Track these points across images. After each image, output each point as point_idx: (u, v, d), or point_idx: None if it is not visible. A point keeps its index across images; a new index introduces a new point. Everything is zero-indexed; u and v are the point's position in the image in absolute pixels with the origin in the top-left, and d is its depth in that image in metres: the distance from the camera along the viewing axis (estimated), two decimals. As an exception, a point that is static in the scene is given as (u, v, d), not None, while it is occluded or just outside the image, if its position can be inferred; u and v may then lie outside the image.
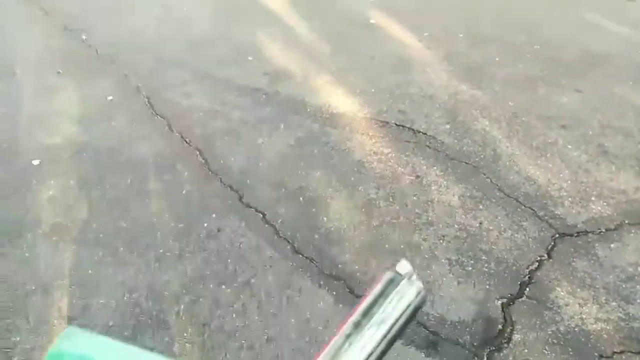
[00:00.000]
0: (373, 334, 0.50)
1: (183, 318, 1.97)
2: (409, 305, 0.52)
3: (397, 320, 0.51)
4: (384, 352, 0.50)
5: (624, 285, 2.10)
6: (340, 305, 2.00)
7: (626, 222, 2.40)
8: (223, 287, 2.08)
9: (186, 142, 2.92)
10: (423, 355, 1.83)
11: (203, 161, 2.77)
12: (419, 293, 0.53)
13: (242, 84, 3.43)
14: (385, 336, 0.51)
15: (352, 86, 3.41)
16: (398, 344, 1.87)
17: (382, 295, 0.52)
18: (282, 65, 3.65)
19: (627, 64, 3.65)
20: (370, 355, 0.49)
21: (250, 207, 2.47)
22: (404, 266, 0.54)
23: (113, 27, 4.19)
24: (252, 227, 2.36)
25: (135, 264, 2.19)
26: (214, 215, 2.42)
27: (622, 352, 1.84)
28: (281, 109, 3.20)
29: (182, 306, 2.01)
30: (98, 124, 3.07)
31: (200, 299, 2.03)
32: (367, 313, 0.51)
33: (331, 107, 3.21)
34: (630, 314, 1.98)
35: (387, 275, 0.53)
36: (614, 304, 2.03)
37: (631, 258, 2.22)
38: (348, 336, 0.50)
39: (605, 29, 4.11)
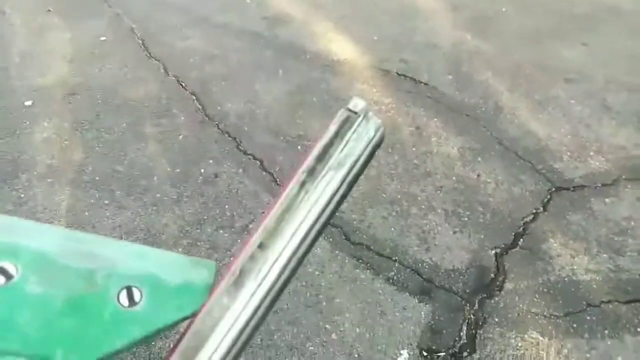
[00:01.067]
0: (331, 179, 0.46)
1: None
2: (368, 144, 0.47)
3: (356, 161, 0.47)
4: (344, 196, 0.46)
5: (616, 238, 2.12)
6: (337, 252, 2.02)
7: (623, 177, 2.40)
8: (221, 231, 2.09)
9: (182, 86, 2.86)
10: (416, 301, 1.87)
11: (200, 106, 2.72)
12: (377, 129, 0.49)
13: (240, 28, 3.33)
14: (344, 179, 0.47)
15: (354, 33, 3.31)
16: (391, 288, 1.91)
17: (338, 135, 0.48)
18: (282, 10, 3.53)
19: (639, 18, 3.55)
20: (329, 201, 0.45)
21: (248, 154, 2.44)
22: (357, 103, 0.50)
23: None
24: (250, 173, 2.35)
25: (132, 207, 2.18)
26: (211, 161, 2.40)
27: (609, 301, 1.89)
28: (280, 54, 3.12)
29: (180, 249, 2.03)
30: (91, 64, 2.99)
31: (198, 243, 2.05)
32: (323, 157, 0.47)
33: (331, 54, 3.13)
34: (620, 266, 2.01)
35: (341, 114, 0.48)
36: (605, 255, 2.06)
37: (625, 212, 2.24)
38: (303, 184, 0.45)
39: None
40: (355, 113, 0.49)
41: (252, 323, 0.42)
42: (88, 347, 0.43)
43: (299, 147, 2.49)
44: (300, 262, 0.45)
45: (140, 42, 3.16)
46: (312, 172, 0.46)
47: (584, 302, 1.89)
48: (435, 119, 2.69)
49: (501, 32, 3.40)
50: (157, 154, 2.43)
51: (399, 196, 2.26)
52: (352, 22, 3.44)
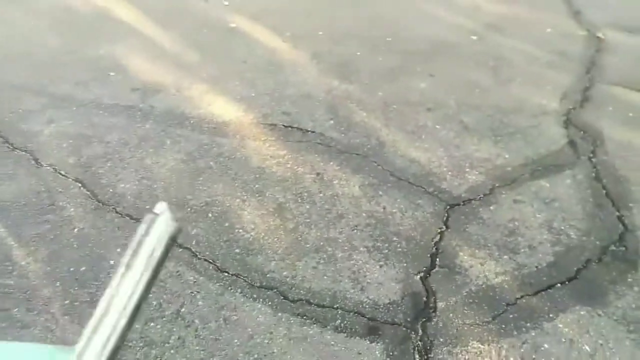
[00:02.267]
0: (143, 268, 0.60)
1: (114, 368, 1.78)
2: (163, 237, 0.66)
3: (155, 251, 0.63)
4: (153, 279, 0.62)
5: (508, 240, 2.44)
6: (280, 314, 2.00)
7: (496, 185, 2.78)
8: (152, 324, 1.93)
9: (61, 174, 2.61)
10: (368, 342, 1.93)
11: (88, 193, 2.50)
12: (168, 224, 0.68)
13: (110, 103, 3.16)
14: (150, 266, 0.62)
15: (230, 93, 3.36)
16: (341, 337, 1.95)
17: (145, 234, 0.65)
18: (150, 79, 3.44)
19: (466, 49, 4.18)
20: (137, 283, 0.59)
21: (158, 234, 2.31)
22: (159, 206, 0.69)
23: None
24: (165, 254, 2.21)
25: (39, 323, 1.90)
26: (118, 250, 2.21)
27: (522, 297, 2.16)
28: (161, 124, 3.03)
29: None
30: (-61, 169, 2.57)
31: (130, 343, 1.86)
32: (135, 252, 0.61)
33: (215, 116, 3.13)
34: (520, 263, 2.32)
35: (147, 218, 0.67)
36: (505, 257, 2.35)
37: (508, 215, 2.59)
38: (123, 275, 0.59)
39: (442, 19, 4.65)
40: (157, 214, 0.68)
41: None
42: None
43: (210, 215, 2.43)
44: (124, 337, 0.59)
45: (-3, 133, 2.82)
46: (128, 267, 0.60)
47: (504, 303, 2.13)
48: (331, 163, 2.84)
49: (362, 74, 3.74)
50: (52, 256, 2.17)
51: (321, 243, 2.33)
52: (224, 81, 3.49)
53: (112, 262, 2.16)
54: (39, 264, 2.13)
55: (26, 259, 2.15)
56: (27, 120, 2.94)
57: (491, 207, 2.64)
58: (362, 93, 3.52)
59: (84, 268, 2.12)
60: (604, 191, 2.70)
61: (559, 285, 2.20)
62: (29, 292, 2.01)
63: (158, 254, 0.62)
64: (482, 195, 2.71)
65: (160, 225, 0.63)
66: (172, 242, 0.63)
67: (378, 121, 3.24)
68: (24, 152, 2.71)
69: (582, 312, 2.08)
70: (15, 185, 2.51)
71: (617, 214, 2.56)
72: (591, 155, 2.96)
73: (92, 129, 2.93)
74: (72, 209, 2.40)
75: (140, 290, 0.58)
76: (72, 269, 2.11)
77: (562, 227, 2.48)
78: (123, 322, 0.58)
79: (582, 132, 3.15)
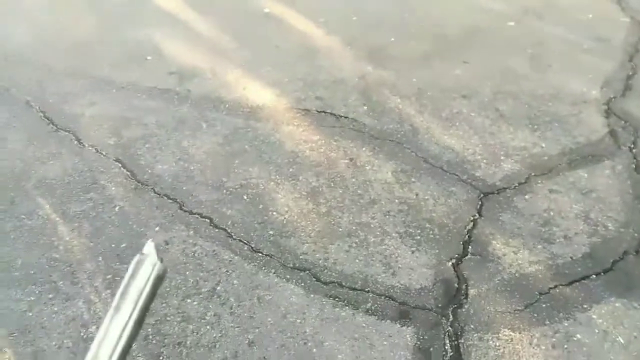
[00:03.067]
0: (130, 310, 0.62)
1: (154, 342, 1.86)
2: (149, 278, 0.64)
3: (143, 293, 0.63)
4: (140, 320, 0.62)
5: (543, 229, 2.41)
6: (312, 295, 2.04)
7: (532, 174, 2.74)
8: (188, 300, 2.00)
9: (102, 155, 2.70)
10: (399, 326, 1.95)
11: (128, 173, 2.58)
12: (154, 266, 0.65)
13: (148, 86, 3.23)
14: (137, 308, 0.62)
15: (264, 78, 3.39)
16: (372, 319, 1.97)
17: (132, 276, 0.64)
18: (186, 63, 3.49)
19: (502, 34, 4.09)
20: (126, 324, 0.61)
21: (194, 214, 2.37)
22: (147, 247, 0.67)
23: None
24: (202, 234, 2.28)
25: (82, 296, 2.00)
26: (157, 229, 2.29)
27: (555, 286, 2.14)
28: (198, 107, 3.09)
29: (149, 329, 1.90)
30: (-11, 147, 2.70)
31: (168, 318, 1.93)
32: (124, 294, 0.62)
33: (249, 100, 3.17)
34: (554, 253, 2.29)
35: (135, 259, 0.65)
36: (539, 246, 2.33)
37: (543, 205, 2.55)
38: (112, 317, 0.61)
39: (477, 4, 4.55)
40: (145, 255, 0.66)
41: None
42: None
43: (245, 197, 2.48)
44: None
45: (41, 114, 2.93)
46: (117, 309, 0.61)
47: (536, 292, 2.11)
48: (364, 149, 2.84)
49: (396, 60, 3.70)
50: (95, 232, 2.26)
51: (353, 227, 2.35)
52: (259, 66, 3.52)
53: (150, 240, 2.23)
54: (82, 240, 2.22)
55: (70, 234, 2.24)
56: (69, 103, 3.04)
57: (526, 197, 2.60)
58: (395, 79, 3.50)
59: (124, 245, 2.21)
60: (645, 183, 2.63)
61: (593, 276, 2.17)
62: (73, 265, 2.11)
63: (145, 294, 0.63)
64: (517, 184, 2.67)
65: (147, 266, 0.64)
66: (159, 282, 0.65)
67: (412, 107, 3.22)
68: (67, 133, 2.81)
69: (617, 304, 2.05)
70: (60, 164, 2.61)
71: (658, 206, 2.49)
72: (632, 145, 2.87)
73: (131, 112, 3.01)
74: (113, 188, 2.49)
75: (129, 330, 0.61)
76: (113, 245, 2.20)
77: (599, 219, 2.44)
78: None
79: (623, 122, 3.06)
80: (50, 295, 1.99)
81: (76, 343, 1.84)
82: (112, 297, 1.97)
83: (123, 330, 0.60)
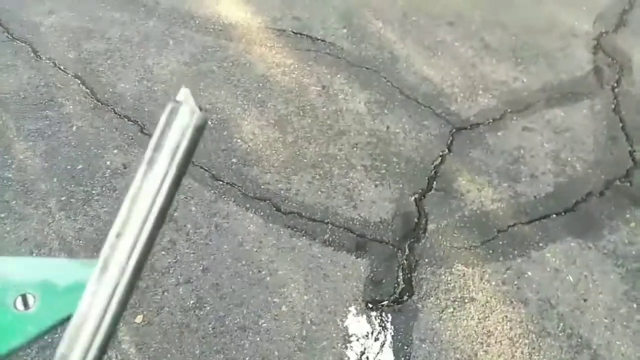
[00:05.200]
0: (166, 166, 0.54)
1: (108, 263, 1.86)
2: (187, 127, 0.55)
3: (181, 146, 0.55)
4: (177, 180, 0.55)
5: (511, 167, 2.39)
6: (271, 225, 2.03)
7: (508, 110, 2.67)
8: (145, 225, 1.98)
9: (61, 69, 2.55)
10: (354, 257, 1.97)
11: (88, 91, 2.46)
12: (193, 113, 0.55)
13: (113, -4, 3.01)
14: (175, 163, 0.54)
15: (239, -8, 3.17)
16: (328, 250, 1.98)
17: (167, 125, 0.54)
18: (156, -29, 3.23)
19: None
20: (162, 182, 0.53)
21: (155, 137, 2.29)
22: (182, 93, 0.56)
23: None
24: (162, 158, 2.22)
25: (36, 216, 1.97)
26: (115, 151, 2.22)
27: (514, 224, 2.15)
28: (166, 21, 2.90)
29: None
30: (-61, 56, 2.54)
31: (123, 241, 1.92)
32: (158, 147, 0.54)
33: (221, 17, 2.98)
34: (518, 191, 2.28)
35: (168, 106, 0.54)
36: (505, 184, 2.31)
37: (515, 142, 2.51)
38: (145, 172, 0.53)
39: None
40: (180, 102, 0.54)
41: (117, 300, 0.51)
42: None
43: (209, 123, 2.39)
44: (152, 241, 0.54)
45: (-4, 22, 2.73)
46: (150, 162, 0.53)
47: (495, 229, 2.13)
48: (338, 76, 2.72)
49: (383, -20, 3.46)
50: (50, 152, 2.19)
51: (319, 159, 2.30)
52: (234, -21, 3.27)
53: (108, 162, 2.17)
54: (37, 159, 2.15)
55: (25, 153, 2.17)
56: (26, 9, 2.83)
57: (499, 133, 2.55)
58: (380, 1, 3.29)
59: (80, 166, 2.15)
60: (621, 124, 2.58)
61: (554, 216, 2.18)
62: (27, 185, 2.06)
63: (183, 149, 0.54)
64: (491, 120, 2.61)
65: (184, 115, 0.53)
66: (199, 135, 0.54)
67: (394, 33, 3.06)
68: (23, 44, 2.64)
69: (572, 244, 2.08)
70: (15, 77, 2.47)
71: (630, 148, 2.46)
72: (615, 84, 2.78)
73: (94, 23, 2.82)
74: (71, 106, 2.38)
75: (165, 190, 0.52)
76: (69, 167, 2.14)
77: (569, 159, 2.41)
78: (149, 226, 0.52)
79: (610, 59, 2.95)
80: (2, 215, 1.96)
81: (30, 262, 1.84)
82: (66, 218, 1.95)
83: (159, 188, 0.52)
